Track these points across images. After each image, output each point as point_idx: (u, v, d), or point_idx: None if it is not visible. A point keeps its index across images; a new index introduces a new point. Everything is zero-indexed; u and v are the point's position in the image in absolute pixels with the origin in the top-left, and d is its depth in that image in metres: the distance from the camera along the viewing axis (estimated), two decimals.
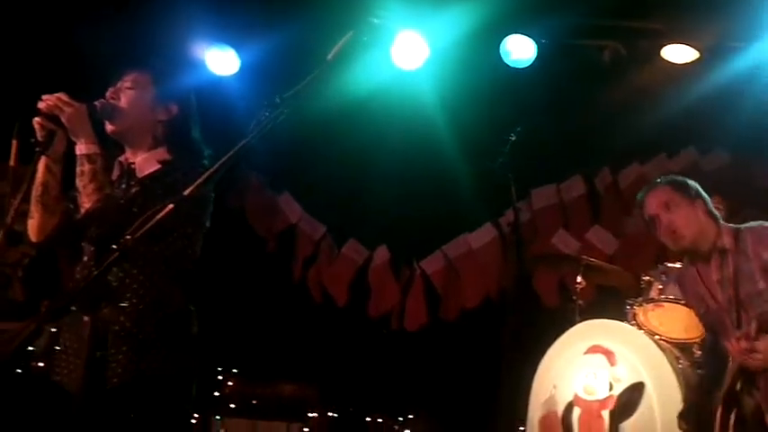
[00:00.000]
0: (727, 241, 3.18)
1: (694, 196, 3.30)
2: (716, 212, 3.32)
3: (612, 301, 5.01)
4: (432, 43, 5.59)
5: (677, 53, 5.48)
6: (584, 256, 4.95)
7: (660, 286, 4.62)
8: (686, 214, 3.26)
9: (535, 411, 4.30)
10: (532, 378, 4.39)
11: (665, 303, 4.59)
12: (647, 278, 4.71)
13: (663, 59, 5.53)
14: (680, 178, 3.40)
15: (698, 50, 5.44)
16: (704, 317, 3.38)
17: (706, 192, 6.08)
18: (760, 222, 3.19)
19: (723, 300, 3.18)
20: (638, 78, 5.73)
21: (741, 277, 3.08)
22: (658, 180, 3.45)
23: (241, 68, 5.71)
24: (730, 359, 3.08)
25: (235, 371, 5.42)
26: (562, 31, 5.69)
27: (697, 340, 4.54)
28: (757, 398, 3.04)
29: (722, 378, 3.15)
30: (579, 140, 6.07)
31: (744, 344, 2.90)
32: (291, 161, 6.24)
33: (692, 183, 3.37)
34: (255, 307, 6.07)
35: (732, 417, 3.05)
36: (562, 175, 6.41)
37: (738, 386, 3.04)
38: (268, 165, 6.31)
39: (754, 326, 2.89)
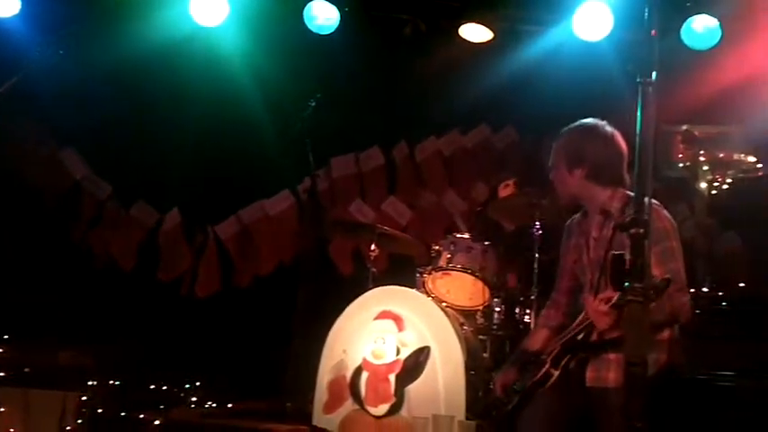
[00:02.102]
0: (614, 206, 3.21)
1: (575, 165, 3.27)
2: (613, 175, 3.26)
3: (404, 269, 5.15)
4: (232, 1, 5.44)
5: (474, 32, 5.67)
6: (379, 226, 5.04)
7: (449, 255, 4.79)
8: (562, 180, 3.34)
9: (324, 375, 4.32)
10: (323, 343, 4.41)
11: (452, 272, 4.78)
12: (437, 248, 4.87)
13: (460, 37, 5.71)
14: (574, 137, 3.33)
15: (493, 31, 5.66)
16: (573, 266, 3.41)
17: (498, 169, 6.39)
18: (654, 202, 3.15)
19: (593, 257, 3.24)
20: (437, 55, 5.89)
21: (614, 243, 3.07)
22: (564, 131, 3.39)
23: (22, 10, 5.29)
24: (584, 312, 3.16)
25: (6, 337, 5.03)
26: (366, 1, 5.74)
27: (480, 307, 4.76)
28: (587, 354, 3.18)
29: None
30: (379, 111, 6.15)
31: (602, 307, 2.95)
32: (78, 115, 5.84)
33: (580, 148, 3.29)
34: (30, 268, 5.66)
35: (563, 361, 3.15)
36: (361, 144, 6.47)
37: (580, 337, 3.14)
38: (51, 117, 5.89)
39: (616, 296, 2.89)
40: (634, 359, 1.94)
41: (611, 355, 3.11)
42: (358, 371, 4.26)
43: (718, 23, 5.23)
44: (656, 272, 2.93)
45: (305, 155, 4.75)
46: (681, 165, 5.58)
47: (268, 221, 6.33)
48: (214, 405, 5.17)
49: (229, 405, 5.20)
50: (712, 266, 5.39)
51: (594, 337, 3.11)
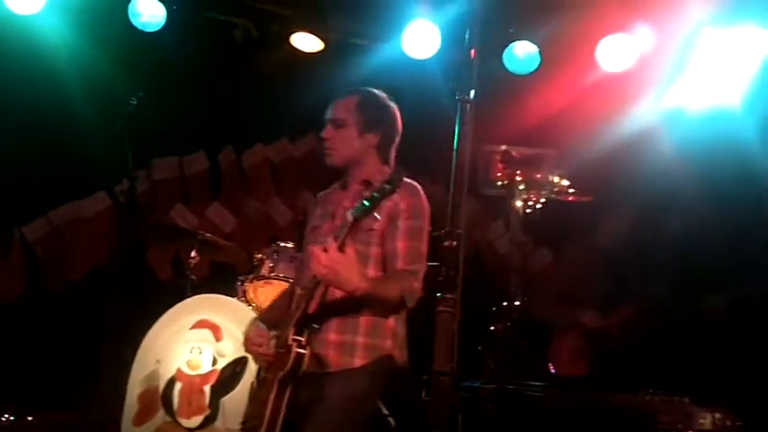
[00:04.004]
0: (377, 179, 2.89)
1: (370, 129, 3.04)
2: (390, 150, 3.09)
3: (226, 278, 5.04)
4: None
5: (305, 42, 5.67)
6: (201, 232, 4.91)
7: (271, 264, 4.74)
8: (348, 140, 3.04)
9: (135, 387, 4.15)
10: (136, 353, 4.24)
11: (274, 281, 4.73)
12: (260, 256, 4.81)
13: (292, 46, 5.69)
14: (372, 101, 3.10)
15: (324, 42, 5.68)
16: (310, 233, 3.13)
17: (325, 179, 6.40)
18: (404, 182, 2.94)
19: (337, 224, 2.90)
20: (268, 61, 5.83)
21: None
22: (356, 90, 3.14)
23: None
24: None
25: None
26: (196, 1, 5.60)
27: None
28: None
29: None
30: (206, 115, 5.99)
31: (320, 252, 2.68)
32: None
33: (378, 114, 3.09)
34: None
35: (304, 338, 2.82)
36: (186, 147, 6.28)
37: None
38: None
39: (331, 240, 2.71)
40: (442, 368, 1.97)
41: (332, 335, 2.89)
42: (171, 381, 4.15)
43: (537, 50, 5.51)
44: (400, 245, 2.86)
45: (124, 155, 4.56)
46: (499, 183, 5.81)
47: (82, 223, 5.98)
48: (12, 418, 4.83)
49: (29, 417, 4.87)
50: (525, 281, 5.66)
51: (312, 308, 2.86)
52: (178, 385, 4.13)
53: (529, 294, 5.41)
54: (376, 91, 3.15)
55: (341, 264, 2.67)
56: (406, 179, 2.95)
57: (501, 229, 6.46)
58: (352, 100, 3.10)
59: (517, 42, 5.51)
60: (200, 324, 4.19)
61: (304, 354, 2.79)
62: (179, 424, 4.08)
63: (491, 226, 6.61)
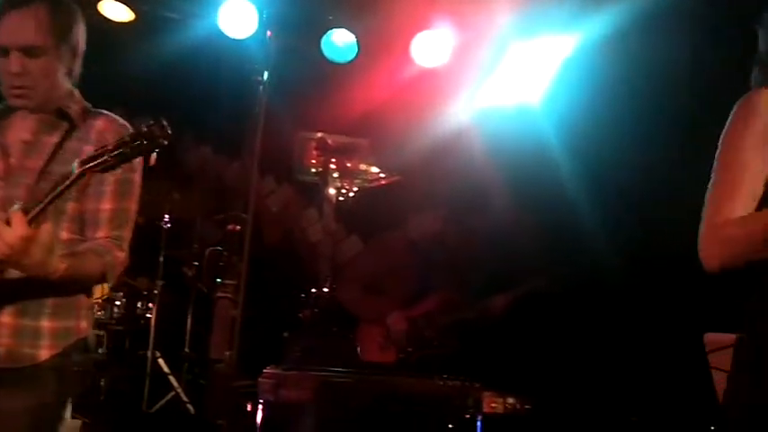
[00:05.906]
0: (74, 109, 2.40)
1: (64, 43, 2.37)
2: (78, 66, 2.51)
3: None
4: None
5: (114, 10, 5.39)
6: None
7: None
8: (51, 73, 2.38)
9: None
10: None
11: None
12: None
13: (99, 14, 5.39)
14: (76, 12, 2.44)
15: (135, 12, 5.42)
16: None
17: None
18: (108, 113, 2.48)
19: (17, 165, 2.32)
20: None
21: (64, 153, 2.31)
22: None
23: None
24: None
25: None
26: None
27: (99, 300, 4.51)
28: None
29: None
30: None
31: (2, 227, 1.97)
32: None
33: (74, 19, 2.41)
34: None
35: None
36: None
37: None
38: None
39: (18, 210, 1.98)
40: (219, 356, 1.90)
41: (6, 317, 2.25)
42: None
43: (355, 40, 5.51)
44: (106, 206, 2.35)
45: None
46: (313, 170, 5.80)
47: None
48: None
49: None
50: (334, 269, 5.68)
51: None
52: None
53: (338, 282, 5.44)
54: None
55: (33, 242, 1.98)
56: (112, 116, 2.45)
57: (314, 216, 6.46)
58: (42, 10, 2.32)
59: (336, 30, 5.48)
60: None
61: None
62: None
63: (304, 213, 6.59)
